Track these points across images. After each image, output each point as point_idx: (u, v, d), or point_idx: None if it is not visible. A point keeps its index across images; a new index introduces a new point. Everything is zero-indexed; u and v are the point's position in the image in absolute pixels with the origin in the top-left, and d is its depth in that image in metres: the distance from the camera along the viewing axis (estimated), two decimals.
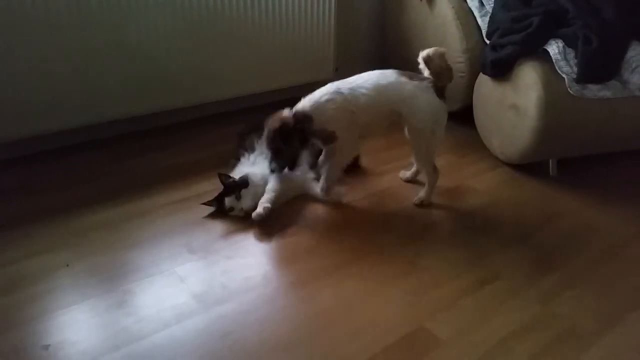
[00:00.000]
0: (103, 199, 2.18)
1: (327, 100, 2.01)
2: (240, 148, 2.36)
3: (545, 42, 2.29)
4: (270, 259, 1.89)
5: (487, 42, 2.65)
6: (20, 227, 1.98)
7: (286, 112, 2.03)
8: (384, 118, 2.13)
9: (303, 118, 2.01)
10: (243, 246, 1.94)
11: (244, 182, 2.10)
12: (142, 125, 2.81)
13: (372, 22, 3.56)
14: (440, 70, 2.07)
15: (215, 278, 1.76)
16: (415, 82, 2.04)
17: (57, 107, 2.40)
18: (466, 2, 2.88)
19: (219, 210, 2.11)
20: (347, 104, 2.01)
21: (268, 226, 2.05)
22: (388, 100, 2.05)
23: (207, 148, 2.66)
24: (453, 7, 2.84)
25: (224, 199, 2.08)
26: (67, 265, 1.79)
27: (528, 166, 2.52)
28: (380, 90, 2.04)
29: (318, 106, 2.01)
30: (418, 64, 2.10)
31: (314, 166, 2.25)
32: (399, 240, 2.00)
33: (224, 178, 2.11)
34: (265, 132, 2.04)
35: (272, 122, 2.02)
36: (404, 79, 2.05)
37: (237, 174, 2.17)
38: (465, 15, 2.83)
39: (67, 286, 1.70)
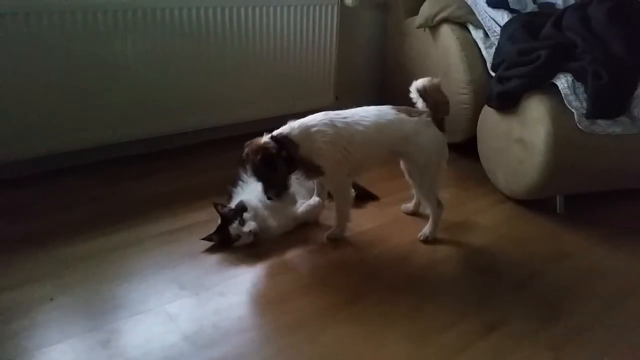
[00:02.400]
0: (92, 226, 2.08)
1: (318, 131, 1.88)
2: (238, 176, 2.27)
3: (554, 75, 2.23)
4: (266, 297, 1.78)
5: (492, 74, 2.60)
6: (2, 255, 1.88)
7: (264, 139, 1.86)
8: (379, 157, 2.05)
9: (288, 144, 1.85)
10: (236, 282, 1.84)
11: (242, 207, 2.01)
12: (136, 150, 2.72)
13: (373, 51, 3.52)
14: (437, 103, 2.01)
15: (207, 317, 1.65)
16: (415, 119, 1.97)
17: (49, 129, 2.33)
18: (470, 33, 2.84)
19: (222, 244, 2.00)
20: (339, 139, 1.90)
21: (264, 261, 1.95)
22: (388, 139, 1.97)
23: (203, 175, 2.57)
24: (457, 37, 2.79)
25: (227, 230, 1.97)
26: (51, 299, 1.68)
27: (534, 202, 2.44)
28: (379, 129, 1.94)
29: (307, 135, 1.88)
30: (410, 95, 2.06)
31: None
32: (402, 278, 1.90)
33: (220, 207, 2.02)
34: (249, 164, 1.88)
35: (251, 153, 1.85)
36: (403, 116, 1.97)
37: (234, 201, 2.09)
38: (470, 47, 2.78)
39: (49, 322, 1.59)
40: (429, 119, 1.97)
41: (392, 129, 1.96)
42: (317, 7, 2.97)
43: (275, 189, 1.92)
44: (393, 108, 1.99)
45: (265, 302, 1.75)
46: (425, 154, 1.97)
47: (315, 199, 2.19)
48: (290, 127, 1.91)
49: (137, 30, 2.40)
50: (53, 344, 1.51)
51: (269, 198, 1.95)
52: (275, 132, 1.90)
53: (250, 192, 2.12)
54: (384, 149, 1.99)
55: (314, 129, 1.89)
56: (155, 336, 1.56)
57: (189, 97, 2.67)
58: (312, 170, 1.94)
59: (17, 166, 2.38)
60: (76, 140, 2.42)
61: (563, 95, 2.17)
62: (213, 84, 2.72)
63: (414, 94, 2.05)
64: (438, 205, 2.08)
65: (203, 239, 2.00)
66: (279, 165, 1.85)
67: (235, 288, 1.81)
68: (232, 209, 2.01)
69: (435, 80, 2.03)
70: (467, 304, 1.78)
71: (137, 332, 1.58)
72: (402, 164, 2.16)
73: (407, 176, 2.18)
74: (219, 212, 2.01)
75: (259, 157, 1.82)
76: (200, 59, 2.63)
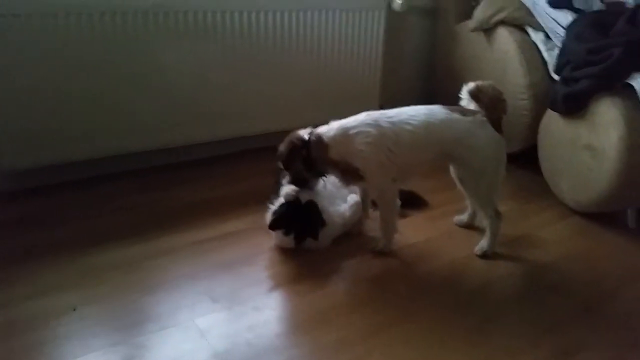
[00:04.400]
0: (120, 235, 1.96)
1: (359, 133, 1.74)
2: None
3: (628, 75, 2.00)
4: (305, 313, 1.60)
5: (555, 76, 2.39)
6: (26, 263, 1.77)
7: (302, 133, 1.82)
8: (427, 160, 1.87)
9: (313, 144, 1.77)
10: (273, 296, 1.68)
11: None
12: (169, 158, 2.61)
13: (420, 58, 3.34)
14: (493, 101, 1.83)
15: (240, 334, 1.49)
16: (469, 118, 1.79)
17: (80, 135, 2.24)
18: (529, 35, 2.64)
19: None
20: (384, 139, 1.74)
21: (303, 274, 1.79)
22: (439, 140, 1.79)
23: (237, 184, 2.43)
24: (515, 40, 2.59)
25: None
26: (74, 310, 1.56)
27: (602, 216, 2.20)
28: (430, 129, 1.77)
29: (343, 136, 1.75)
30: (460, 99, 1.90)
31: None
32: (458, 297, 1.70)
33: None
34: (279, 149, 1.85)
35: (284, 141, 1.84)
36: (456, 116, 1.80)
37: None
38: (529, 49, 2.57)
39: (71, 334, 1.47)
40: (484, 118, 1.79)
41: (443, 130, 1.78)
42: (364, 12, 2.83)
43: (295, 181, 1.87)
44: (444, 107, 1.82)
45: (304, 319, 1.58)
46: (480, 157, 1.78)
47: (353, 197, 2.02)
48: (329, 127, 1.80)
49: (175, 34, 2.30)
50: (74, 358, 1.38)
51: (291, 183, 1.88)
52: (317, 130, 1.79)
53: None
54: (434, 151, 1.81)
55: (353, 131, 1.75)
56: (184, 353, 1.41)
57: (228, 104, 2.55)
58: (349, 173, 1.79)
59: (46, 173, 2.29)
60: (107, 147, 2.32)
61: None
62: (253, 91, 2.60)
63: (465, 97, 1.89)
64: (496, 216, 1.87)
65: (271, 224, 1.86)
66: (295, 163, 1.81)
67: (272, 303, 1.65)
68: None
69: (487, 82, 1.88)
70: (534, 327, 1.57)
71: (165, 348, 1.43)
72: (452, 171, 1.97)
73: (458, 185, 1.99)
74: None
75: (284, 147, 1.82)
76: (240, 65, 2.52)
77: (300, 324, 1.55)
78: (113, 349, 1.42)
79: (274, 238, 1.91)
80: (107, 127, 2.28)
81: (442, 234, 2.07)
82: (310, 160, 1.79)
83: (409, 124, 1.75)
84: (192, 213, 2.14)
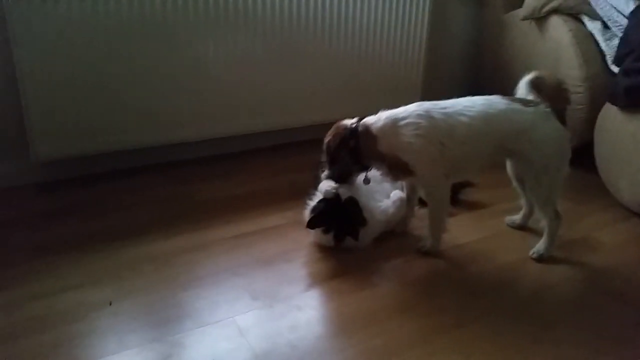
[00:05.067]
0: (157, 227, 1.90)
1: (408, 124, 1.63)
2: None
3: None
4: (350, 314, 1.51)
5: (614, 68, 2.25)
6: (61, 255, 1.73)
7: (349, 122, 1.72)
8: (485, 155, 1.73)
9: (361, 135, 1.67)
10: (316, 295, 1.60)
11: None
12: (207, 151, 2.56)
13: (466, 49, 3.22)
14: (555, 91, 1.72)
15: (281, 334, 1.41)
16: (531, 109, 1.66)
17: (114, 127, 2.20)
18: (584, 25, 2.49)
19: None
20: (436, 132, 1.62)
21: (347, 273, 1.70)
22: (498, 132, 1.66)
23: (277, 178, 2.35)
24: (570, 29, 2.45)
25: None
26: (110, 304, 1.50)
27: None
28: (488, 120, 1.65)
29: (392, 128, 1.64)
30: (511, 92, 1.77)
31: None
32: (513, 303, 1.58)
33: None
34: (326, 138, 1.76)
35: (330, 132, 1.75)
36: (517, 106, 1.67)
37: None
38: (585, 39, 2.43)
39: (106, 330, 1.41)
40: (548, 109, 1.66)
41: (503, 121, 1.65)
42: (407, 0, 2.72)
43: (335, 175, 1.77)
44: (504, 97, 1.69)
45: (349, 320, 1.48)
46: (544, 152, 1.65)
47: (396, 193, 1.92)
48: (377, 117, 1.70)
49: (208, 22, 2.24)
50: (108, 354, 1.32)
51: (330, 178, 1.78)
52: (365, 119, 1.69)
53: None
54: (492, 145, 1.68)
55: (403, 122, 1.64)
56: (222, 353, 1.34)
57: (266, 96, 2.49)
58: (398, 168, 1.68)
59: (80, 164, 2.26)
60: (142, 138, 2.28)
61: None
62: (292, 83, 2.53)
63: (523, 88, 1.75)
64: (556, 217, 1.75)
65: (309, 222, 1.76)
66: (342, 155, 1.71)
67: (315, 302, 1.56)
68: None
69: (547, 71, 1.78)
70: (597, 337, 1.44)
71: (203, 346, 1.36)
72: (509, 167, 1.85)
73: (514, 182, 1.88)
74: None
75: (330, 138, 1.73)
76: (276, 55, 2.44)
77: (344, 326, 1.46)
78: (149, 346, 1.35)
79: (312, 235, 1.83)
80: (141, 118, 2.24)
81: (492, 234, 1.95)
82: (357, 153, 1.69)
83: (464, 115, 1.64)
84: (229, 207, 2.07)
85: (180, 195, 2.17)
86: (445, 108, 1.66)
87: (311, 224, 1.76)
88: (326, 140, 1.74)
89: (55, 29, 1.97)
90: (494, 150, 1.70)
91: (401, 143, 1.63)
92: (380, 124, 1.66)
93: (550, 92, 1.70)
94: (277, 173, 2.40)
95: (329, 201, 1.74)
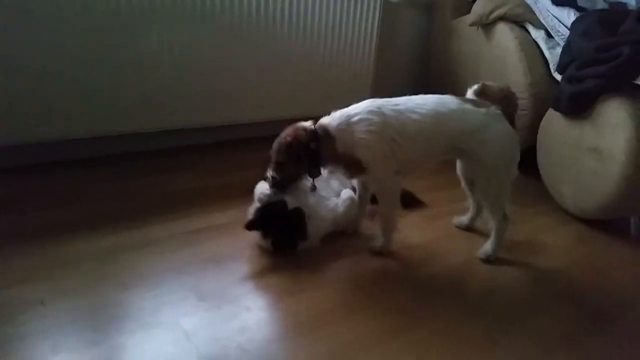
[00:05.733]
0: (100, 222, 1.79)
1: (361, 120, 1.60)
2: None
3: (637, 75, 1.93)
4: (300, 316, 1.47)
5: (556, 76, 2.32)
6: None
7: (306, 125, 1.65)
8: (435, 154, 1.74)
9: (321, 137, 1.61)
10: (265, 296, 1.54)
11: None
12: (153, 144, 2.45)
13: (414, 52, 3.25)
14: (503, 95, 1.74)
15: (230, 337, 1.34)
16: (483, 110, 1.68)
17: (62, 113, 2.07)
18: (529, 33, 2.56)
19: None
20: (387, 129, 1.61)
21: (297, 273, 1.65)
22: (449, 132, 1.66)
23: (227, 174, 2.28)
24: (516, 37, 2.51)
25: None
26: (42, 303, 1.39)
27: (603, 223, 2.13)
28: (439, 119, 1.64)
29: (347, 125, 1.61)
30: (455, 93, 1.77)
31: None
32: (464, 303, 1.59)
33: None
34: (275, 142, 1.66)
35: (285, 134, 1.64)
36: (469, 107, 1.68)
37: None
38: (529, 47, 2.50)
39: (36, 332, 1.30)
40: (500, 112, 1.68)
41: (454, 121, 1.65)
42: (360, 1, 2.71)
43: (281, 179, 1.68)
44: (456, 97, 1.70)
45: (299, 322, 1.44)
46: (495, 153, 1.67)
47: (346, 192, 1.89)
48: (331, 117, 1.65)
49: (163, 17, 2.15)
50: (40, 358, 1.21)
51: (272, 184, 1.70)
52: (320, 121, 1.64)
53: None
54: (443, 144, 1.68)
55: (355, 118, 1.61)
56: (167, 357, 1.26)
57: (215, 91, 2.41)
58: (352, 165, 1.65)
59: (20, 153, 2.11)
60: (88, 127, 2.16)
61: None
62: (242, 78, 2.47)
63: (471, 96, 1.77)
64: (504, 219, 1.77)
65: (248, 224, 1.69)
66: (302, 159, 1.63)
67: (264, 303, 1.51)
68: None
69: (490, 82, 1.79)
70: (547, 337, 1.47)
71: (145, 350, 1.28)
72: (459, 168, 1.86)
73: (463, 183, 1.89)
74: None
75: (288, 139, 1.62)
76: (229, 51, 2.38)
77: (295, 328, 1.41)
78: (86, 350, 1.26)
79: (255, 237, 1.76)
80: (92, 107, 2.12)
81: (441, 235, 1.96)
82: (317, 156, 1.63)
83: (415, 112, 1.63)
84: (176, 202, 1.98)
85: (127, 189, 2.06)
86: (397, 105, 1.65)
87: (249, 226, 1.69)
88: (281, 142, 1.64)
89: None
90: (444, 148, 1.70)
91: (354, 140, 1.60)
92: (335, 123, 1.62)
93: (497, 98, 1.72)
94: (227, 169, 2.32)
95: (274, 206, 1.68)
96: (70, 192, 2.00)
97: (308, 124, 1.65)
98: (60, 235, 1.69)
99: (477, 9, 2.70)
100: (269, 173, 1.70)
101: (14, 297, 1.40)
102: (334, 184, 1.94)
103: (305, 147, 1.60)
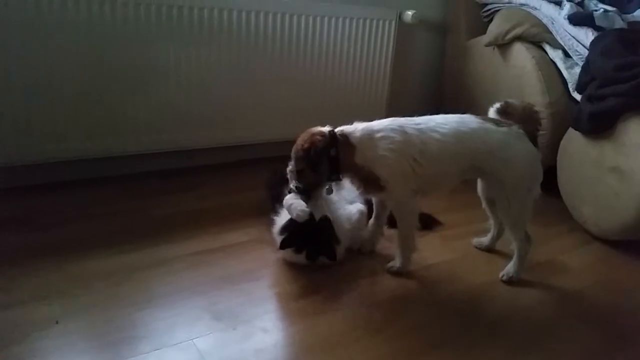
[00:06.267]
0: (113, 241, 1.78)
1: (383, 137, 1.59)
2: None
3: None
4: (317, 337, 1.43)
5: (575, 95, 2.29)
6: (7, 267, 1.58)
7: (323, 129, 1.63)
8: (456, 173, 1.71)
9: (341, 144, 1.60)
10: (282, 317, 1.52)
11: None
12: (168, 164, 2.44)
13: (429, 73, 3.24)
14: (526, 113, 1.72)
15: (246, 358, 1.32)
16: (504, 129, 1.65)
17: (75, 134, 2.08)
18: (546, 52, 2.54)
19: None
20: (409, 147, 1.59)
21: (313, 294, 1.62)
22: (471, 151, 1.64)
23: (240, 194, 2.25)
24: (533, 57, 2.49)
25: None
26: (57, 323, 1.37)
27: (624, 243, 2.07)
28: (460, 138, 1.62)
29: (369, 139, 1.59)
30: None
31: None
32: (484, 326, 1.55)
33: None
34: (293, 149, 1.65)
35: (302, 139, 1.63)
36: (489, 126, 1.66)
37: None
38: (547, 67, 2.48)
39: (50, 351, 1.28)
40: (521, 131, 1.65)
41: (475, 140, 1.63)
42: (375, 22, 2.72)
43: (305, 187, 1.67)
44: (477, 117, 1.68)
45: (317, 343, 1.40)
46: (516, 172, 1.64)
47: (357, 205, 1.87)
48: (354, 127, 1.64)
49: (176, 34, 2.17)
50: None
51: (289, 191, 1.69)
52: (339, 128, 1.63)
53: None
54: (464, 163, 1.66)
55: (378, 134, 1.60)
56: None
57: (230, 110, 2.41)
58: (370, 182, 1.63)
59: (37, 171, 2.11)
60: (104, 147, 2.17)
61: None
62: (256, 97, 2.47)
63: (493, 116, 1.74)
64: (526, 239, 1.73)
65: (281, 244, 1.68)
66: (321, 164, 1.61)
67: (280, 324, 1.48)
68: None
69: (513, 100, 1.78)
70: None
71: None
72: (480, 188, 1.83)
73: (484, 203, 1.86)
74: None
75: (305, 145, 1.60)
76: (243, 69, 2.38)
77: (311, 350, 1.38)
78: None
79: (282, 254, 1.74)
80: (102, 126, 2.13)
81: (461, 256, 1.92)
82: (337, 162, 1.61)
83: (436, 131, 1.61)
84: (191, 222, 1.97)
85: (137, 209, 2.05)
86: (419, 124, 1.63)
87: (283, 245, 1.67)
88: (298, 148, 1.63)
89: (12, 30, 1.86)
90: (465, 168, 1.68)
91: (376, 156, 1.59)
92: (358, 133, 1.61)
93: (520, 116, 1.70)
94: (239, 189, 2.30)
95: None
96: (83, 211, 1.99)
97: (326, 128, 1.63)
98: (73, 254, 1.68)
99: (493, 29, 2.69)
100: (292, 184, 1.68)
101: (29, 316, 1.39)
102: (344, 193, 1.90)
103: (324, 152, 1.59)
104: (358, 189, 1.68)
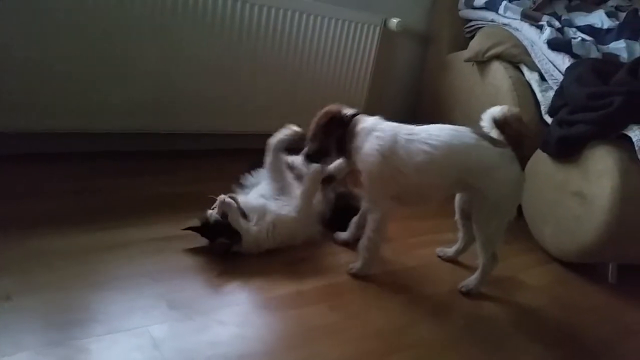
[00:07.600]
0: (75, 219, 1.73)
1: (377, 137, 1.62)
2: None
3: (626, 125, 1.96)
4: (277, 335, 1.43)
5: (546, 118, 2.34)
6: None
7: (347, 110, 1.73)
8: (443, 187, 1.72)
9: (349, 127, 1.69)
10: (242, 311, 1.50)
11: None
12: (137, 145, 2.39)
13: (408, 82, 3.27)
14: (520, 137, 1.71)
15: (200, 350, 1.30)
16: (500, 149, 1.64)
17: (50, 105, 2.03)
18: (523, 74, 2.59)
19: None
20: (393, 155, 1.60)
21: (275, 290, 1.61)
22: (460, 167, 1.63)
23: (209, 182, 2.18)
24: (510, 76, 2.54)
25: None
26: (8, 298, 1.33)
27: (582, 266, 2.13)
28: (449, 153, 1.61)
29: (367, 134, 1.65)
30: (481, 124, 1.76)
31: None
32: (442, 333, 1.57)
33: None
34: (314, 120, 1.73)
35: (324, 112, 1.73)
36: (485, 144, 1.64)
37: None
38: (522, 88, 2.53)
39: (1, 328, 1.24)
40: (513, 154, 1.67)
41: (467, 156, 1.63)
42: (360, 25, 2.74)
43: (315, 154, 1.75)
44: (474, 132, 1.67)
45: (274, 340, 1.40)
46: (502, 193, 1.65)
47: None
48: (371, 118, 1.71)
49: (161, 21, 2.14)
50: (0, 356, 1.15)
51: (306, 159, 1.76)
52: (360, 116, 1.72)
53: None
54: (452, 178, 1.66)
55: (374, 133, 1.64)
56: None
57: (205, 98, 2.39)
58: (356, 172, 1.72)
59: (7, 141, 2.03)
60: (80, 123, 2.12)
61: (637, 148, 1.89)
62: (233, 88, 2.45)
63: (486, 124, 1.75)
64: (493, 258, 1.76)
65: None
66: (332, 137, 1.71)
67: (238, 318, 1.46)
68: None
69: (515, 110, 1.76)
70: None
71: (111, 355, 1.23)
72: (458, 200, 1.86)
73: (458, 215, 1.90)
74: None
75: (327, 118, 1.71)
76: (225, 59, 2.36)
77: (268, 346, 1.37)
78: (49, 349, 1.20)
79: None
80: (79, 103, 2.08)
81: (423, 264, 1.94)
82: (340, 141, 1.69)
83: (426, 144, 1.60)
84: (158, 206, 1.94)
85: (108, 188, 2.00)
86: (410, 133, 1.64)
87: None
88: (320, 117, 1.72)
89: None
90: (453, 182, 1.68)
91: (363, 151, 1.63)
92: (365, 125, 1.67)
93: (514, 137, 1.70)
94: (214, 177, 2.25)
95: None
96: (44, 186, 1.93)
97: (350, 110, 1.73)
98: (33, 229, 1.63)
99: (474, 45, 2.74)
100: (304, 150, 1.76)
101: None
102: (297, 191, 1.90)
103: (334, 128, 1.69)
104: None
